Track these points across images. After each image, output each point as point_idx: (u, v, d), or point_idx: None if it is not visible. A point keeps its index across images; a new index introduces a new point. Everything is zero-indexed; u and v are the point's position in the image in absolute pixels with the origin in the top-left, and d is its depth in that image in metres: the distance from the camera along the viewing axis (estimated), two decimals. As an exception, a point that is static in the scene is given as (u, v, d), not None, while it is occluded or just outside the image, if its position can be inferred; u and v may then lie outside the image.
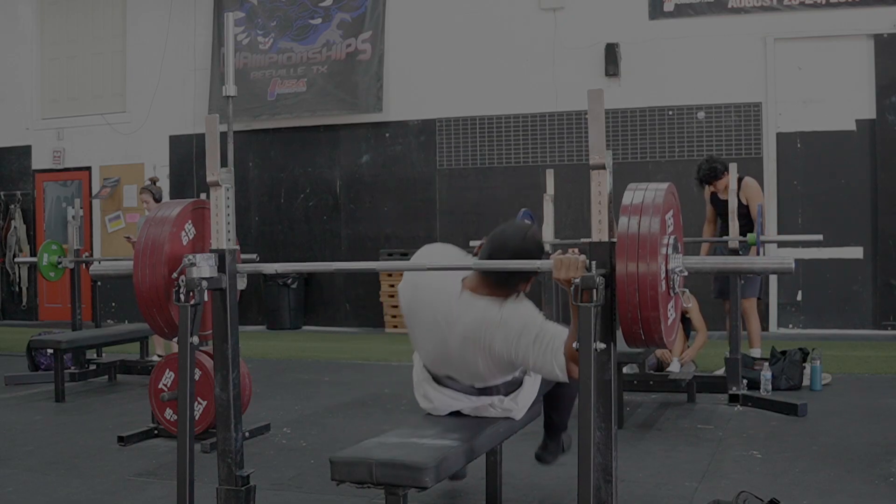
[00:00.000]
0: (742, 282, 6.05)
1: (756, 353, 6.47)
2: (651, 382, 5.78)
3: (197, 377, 4.35)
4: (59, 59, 12.87)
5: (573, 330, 2.59)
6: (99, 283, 7.92)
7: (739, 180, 6.53)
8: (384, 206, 11.23)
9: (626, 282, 2.40)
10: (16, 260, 10.70)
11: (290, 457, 4.66)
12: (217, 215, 2.95)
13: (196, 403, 4.51)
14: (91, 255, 10.83)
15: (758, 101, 9.83)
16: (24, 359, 7.67)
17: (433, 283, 3.12)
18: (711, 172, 6.51)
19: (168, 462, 4.47)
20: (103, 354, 7.55)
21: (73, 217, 7.62)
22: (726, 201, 6.10)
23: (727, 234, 5.88)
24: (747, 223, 6.32)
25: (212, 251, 2.96)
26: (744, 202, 6.45)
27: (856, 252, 9.59)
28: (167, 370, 4.92)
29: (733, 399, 5.64)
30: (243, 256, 3.14)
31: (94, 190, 12.53)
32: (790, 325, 9.77)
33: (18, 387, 7.04)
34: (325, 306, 11.46)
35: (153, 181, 7.77)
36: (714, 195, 6.67)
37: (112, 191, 12.33)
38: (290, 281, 11.07)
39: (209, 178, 2.94)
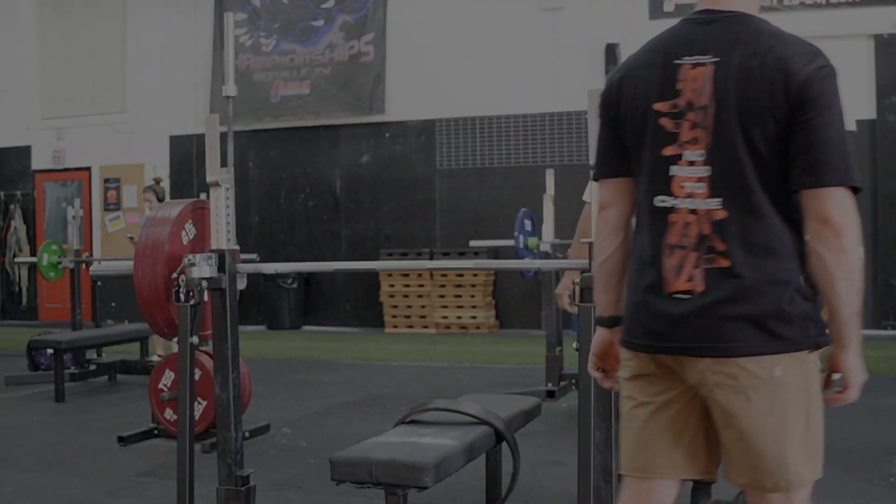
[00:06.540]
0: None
1: None
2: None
3: (197, 377, 4.35)
4: (59, 59, 12.86)
5: None
6: (99, 283, 7.92)
7: None
8: (384, 206, 11.23)
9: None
10: (16, 260, 10.71)
11: (290, 457, 4.66)
12: (217, 215, 2.95)
13: (196, 403, 4.51)
14: (91, 255, 10.85)
15: (758, 101, 9.82)
16: (24, 359, 7.65)
17: None
18: None
19: (168, 462, 4.47)
20: (103, 354, 7.54)
21: (73, 217, 7.62)
22: None
23: None
24: None
25: (212, 251, 2.96)
26: None
27: (856, 252, 9.58)
28: (167, 370, 4.92)
29: (733, 399, 5.63)
30: (243, 256, 3.14)
31: (94, 190, 12.54)
32: (790, 325, 9.76)
33: (18, 387, 7.03)
34: (325, 306, 11.46)
35: (157, 181, 7.77)
36: None
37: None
38: (289, 281, 11.07)
39: (209, 178, 2.94)
